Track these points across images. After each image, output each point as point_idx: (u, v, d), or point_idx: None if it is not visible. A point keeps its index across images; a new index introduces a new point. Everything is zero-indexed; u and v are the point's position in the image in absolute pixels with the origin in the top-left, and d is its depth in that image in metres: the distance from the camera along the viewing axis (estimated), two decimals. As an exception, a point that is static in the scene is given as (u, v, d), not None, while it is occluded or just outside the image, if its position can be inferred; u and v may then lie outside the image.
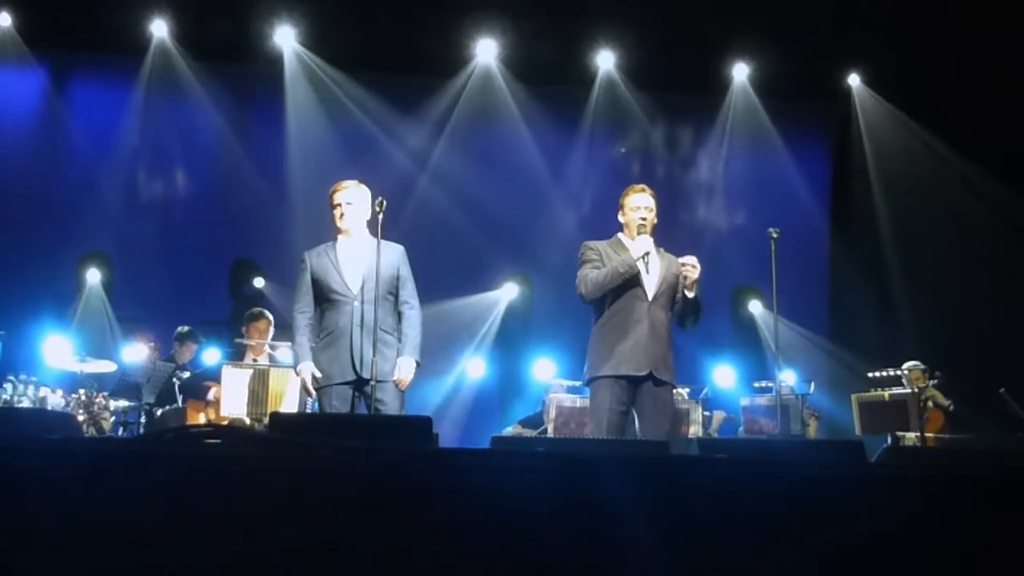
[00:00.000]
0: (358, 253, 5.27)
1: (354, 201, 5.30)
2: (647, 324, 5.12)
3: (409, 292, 5.34)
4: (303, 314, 5.27)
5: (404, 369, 5.20)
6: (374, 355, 5.00)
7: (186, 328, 8.47)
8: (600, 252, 5.29)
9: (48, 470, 2.21)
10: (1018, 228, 9.05)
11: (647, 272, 5.19)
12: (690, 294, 5.26)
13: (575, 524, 2.32)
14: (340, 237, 5.36)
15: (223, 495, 2.24)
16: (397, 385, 5.19)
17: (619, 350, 5.09)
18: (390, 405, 5.12)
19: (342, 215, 5.29)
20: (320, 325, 5.25)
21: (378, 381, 5.07)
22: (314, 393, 5.18)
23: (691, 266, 5.20)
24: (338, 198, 5.32)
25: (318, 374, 5.15)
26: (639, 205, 5.31)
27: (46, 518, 2.15)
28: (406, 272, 5.35)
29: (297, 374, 5.28)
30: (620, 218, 5.39)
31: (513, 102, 10.12)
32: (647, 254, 5.18)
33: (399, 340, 5.25)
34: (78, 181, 9.60)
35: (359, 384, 5.12)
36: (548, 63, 9.93)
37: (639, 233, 5.25)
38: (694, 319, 5.37)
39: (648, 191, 5.38)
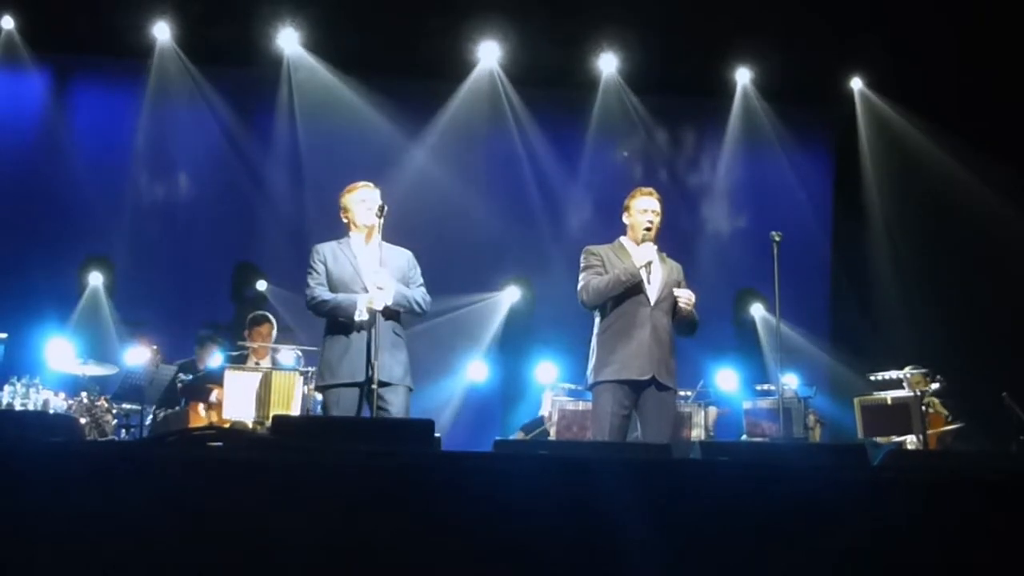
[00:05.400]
0: (373, 254, 5.26)
1: (380, 202, 5.28)
2: (650, 329, 5.13)
3: (422, 292, 5.35)
4: (321, 286, 5.21)
5: (389, 287, 5.09)
6: (374, 358, 4.98)
7: (206, 331, 8.39)
8: (602, 257, 5.28)
9: (50, 473, 2.21)
10: (1022, 230, 9.04)
11: (649, 282, 5.20)
12: (685, 314, 5.28)
13: (577, 527, 2.32)
14: (354, 235, 5.34)
15: (225, 498, 2.24)
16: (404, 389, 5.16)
17: (622, 355, 5.09)
18: (397, 408, 5.09)
19: (368, 213, 5.25)
20: (333, 321, 5.20)
21: (388, 384, 5.06)
22: (389, 300, 5.06)
23: (684, 300, 5.22)
24: (363, 195, 5.31)
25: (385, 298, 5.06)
26: (646, 208, 5.31)
27: (48, 521, 2.15)
28: (415, 275, 5.36)
29: (369, 304, 5.06)
30: (625, 219, 5.38)
31: (515, 105, 10.12)
32: (650, 263, 5.19)
33: (405, 342, 5.25)
34: (80, 184, 9.59)
35: (369, 386, 5.05)
36: (551, 66, 9.94)
37: (643, 240, 5.25)
38: (688, 332, 5.39)
39: (655, 195, 5.39)
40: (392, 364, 5.10)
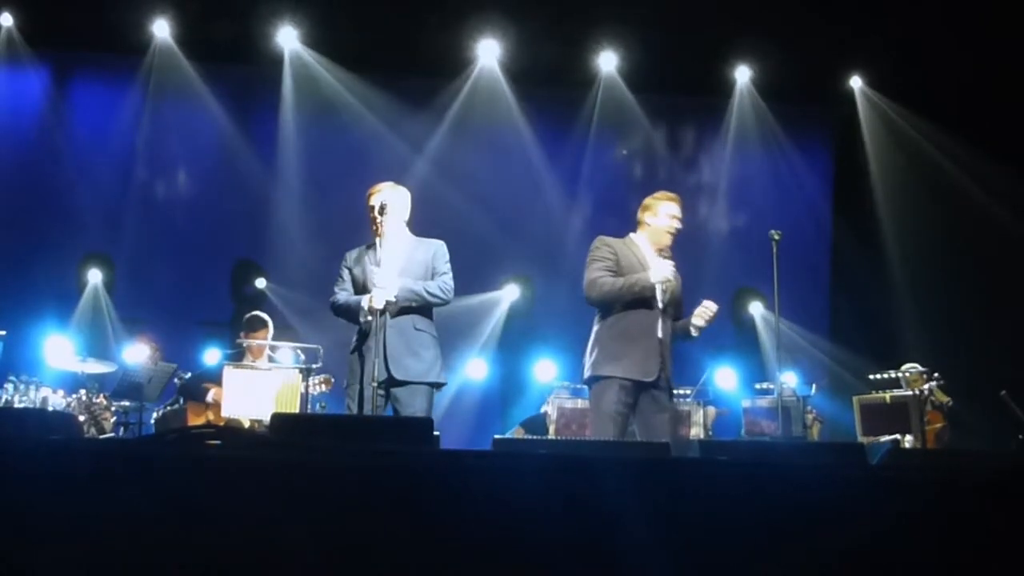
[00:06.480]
0: (395, 254, 5.20)
1: (389, 202, 5.21)
2: (658, 331, 5.13)
3: (441, 281, 5.22)
4: (345, 291, 5.24)
5: (390, 283, 5.02)
6: (374, 356, 4.97)
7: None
8: (616, 251, 5.23)
9: (49, 470, 2.21)
10: (1020, 230, 9.05)
11: (663, 293, 5.20)
12: (695, 333, 5.28)
13: (576, 526, 2.32)
14: (378, 239, 5.28)
15: (223, 496, 2.23)
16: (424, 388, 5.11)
17: (631, 354, 5.06)
18: (414, 407, 5.04)
19: (377, 218, 5.21)
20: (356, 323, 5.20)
21: (406, 382, 5.04)
22: (391, 296, 5.00)
23: (710, 318, 5.21)
24: (373, 200, 5.25)
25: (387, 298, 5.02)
26: (675, 215, 5.32)
27: (47, 518, 2.15)
28: (442, 266, 5.25)
29: (369, 303, 5.00)
30: (648, 219, 5.31)
31: (515, 103, 10.12)
32: (668, 281, 5.18)
33: (434, 337, 5.19)
34: (80, 181, 9.60)
35: (389, 384, 5.02)
36: (550, 64, 9.93)
37: (663, 246, 5.24)
38: (685, 339, 5.40)
39: (679, 201, 5.40)
40: (410, 361, 5.05)
